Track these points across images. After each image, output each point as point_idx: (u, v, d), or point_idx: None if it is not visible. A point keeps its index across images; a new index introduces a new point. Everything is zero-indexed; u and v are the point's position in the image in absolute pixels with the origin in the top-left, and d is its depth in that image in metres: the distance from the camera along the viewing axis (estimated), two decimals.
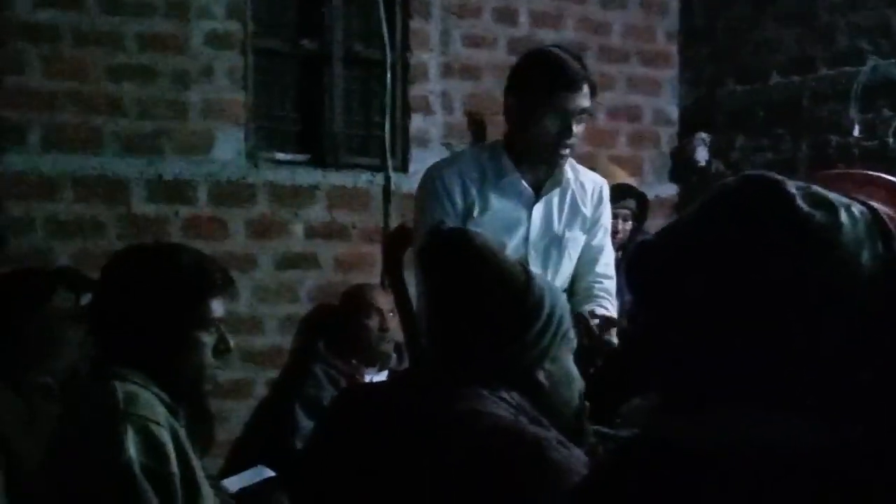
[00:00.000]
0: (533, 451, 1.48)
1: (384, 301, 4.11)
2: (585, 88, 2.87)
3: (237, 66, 4.21)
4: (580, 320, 2.74)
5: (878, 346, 0.99)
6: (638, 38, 5.01)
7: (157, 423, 1.93)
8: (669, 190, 5.10)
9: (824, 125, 4.50)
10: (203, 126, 4.15)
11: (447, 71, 4.59)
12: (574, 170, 3.07)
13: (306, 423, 3.78)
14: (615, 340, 2.86)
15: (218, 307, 2.09)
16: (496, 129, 3.69)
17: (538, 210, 3.00)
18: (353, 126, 4.53)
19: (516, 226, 2.99)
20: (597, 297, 3.05)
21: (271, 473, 3.21)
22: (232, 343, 2.13)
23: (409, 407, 1.62)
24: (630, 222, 4.24)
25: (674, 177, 5.12)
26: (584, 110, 2.88)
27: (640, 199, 4.33)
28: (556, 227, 3.03)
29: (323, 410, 3.14)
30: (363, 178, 4.44)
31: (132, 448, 1.87)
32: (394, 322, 4.05)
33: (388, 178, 4.45)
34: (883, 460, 0.95)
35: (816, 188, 1.04)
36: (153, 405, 1.96)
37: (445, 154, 4.18)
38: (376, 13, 4.45)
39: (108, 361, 2.03)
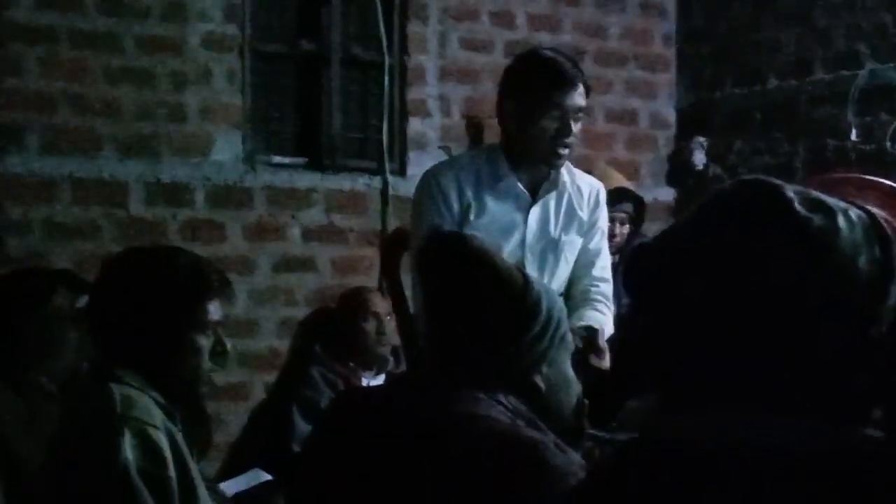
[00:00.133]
0: (530, 455, 1.48)
1: (381, 304, 4.10)
2: (581, 87, 2.87)
3: (235, 68, 4.21)
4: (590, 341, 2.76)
5: (875, 348, 0.99)
6: (635, 41, 5.01)
7: (154, 427, 1.93)
8: (667, 193, 5.10)
9: (822, 129, 4.50)
10: (201, 129, 4.16)
11: (445, 74, 4.59)
12: (570, 173, 3.06)
13: (303, 427, 3.77)
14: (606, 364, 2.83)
15: (215, 310, 2.09)
16: (494, 132, 3.69)
17: (535, 213, 2.99)
18: (351, 129, 4.53)
19: (513, 229, 2.98)
20: (593, 300, 3.05)
21: (268, 477, 3.20)
22: (229, 346, 2.13)
23: (407, 410, 1.62)
24: (627, 226, 4.24)
25: (671, 180, 5.13)
26: (581, 109, 2.89)
27: (638, 202, 4.33)
28: (553, 230, 3.02)
29: (320, 413, 3.14)
30: (361, 182, 4.44)
31: (129, 451, 1.88)
32: (391, 325, 4.04)
33: (385, 182, 4.45)
34: (882, 462, 0.95)
35: (814, 192, 1.04)
36: (150, 409, 1.97)
37: (443, 157, 4.19)
38: (374, 16, 4.46)
39: (107, 363, 2.04)
